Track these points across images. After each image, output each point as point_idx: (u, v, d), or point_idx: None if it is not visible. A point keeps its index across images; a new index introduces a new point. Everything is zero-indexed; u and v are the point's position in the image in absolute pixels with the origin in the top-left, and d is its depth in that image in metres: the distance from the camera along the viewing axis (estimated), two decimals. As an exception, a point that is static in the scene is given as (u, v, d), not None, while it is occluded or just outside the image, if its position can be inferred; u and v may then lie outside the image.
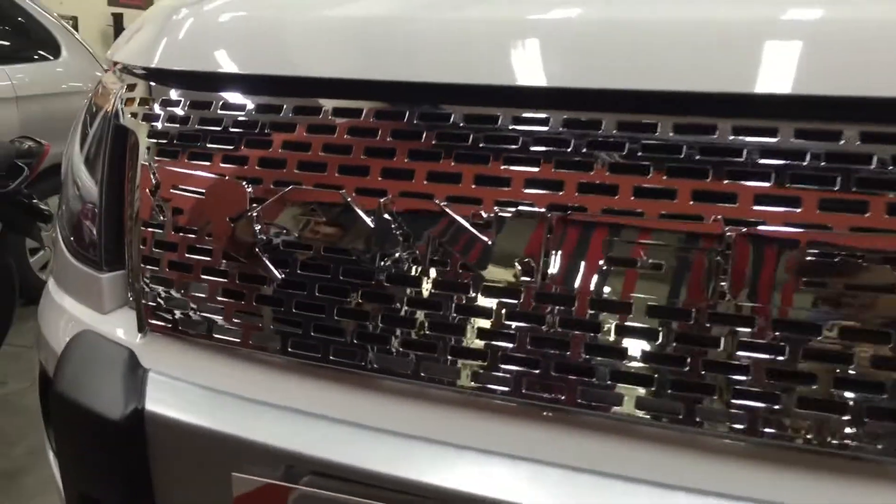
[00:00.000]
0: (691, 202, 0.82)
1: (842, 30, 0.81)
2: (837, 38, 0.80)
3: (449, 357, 0.90)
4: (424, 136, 0.94)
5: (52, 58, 4.96)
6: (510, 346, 0.88)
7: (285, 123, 1.02)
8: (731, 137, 0.82)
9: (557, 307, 0.86)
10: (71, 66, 4.97)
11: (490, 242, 0.88)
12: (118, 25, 12.71)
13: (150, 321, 1.09)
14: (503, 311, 0.88)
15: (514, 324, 0.88)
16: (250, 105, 1.05)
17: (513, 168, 0.89)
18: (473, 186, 0.90)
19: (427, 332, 0.92)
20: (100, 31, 12.65)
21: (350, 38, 1.04)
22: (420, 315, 0.92)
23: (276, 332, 0.99)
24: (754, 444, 0.80)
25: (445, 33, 0.98)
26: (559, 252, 0.86)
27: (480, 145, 0.91)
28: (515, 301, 0.88)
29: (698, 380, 0.80)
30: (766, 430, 0.78)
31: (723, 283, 0.79)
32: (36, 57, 4.88)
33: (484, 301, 0.89)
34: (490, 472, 0.87)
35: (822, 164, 0.78)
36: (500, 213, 0.88)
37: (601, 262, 0.84)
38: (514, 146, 0.89)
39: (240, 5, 1.18)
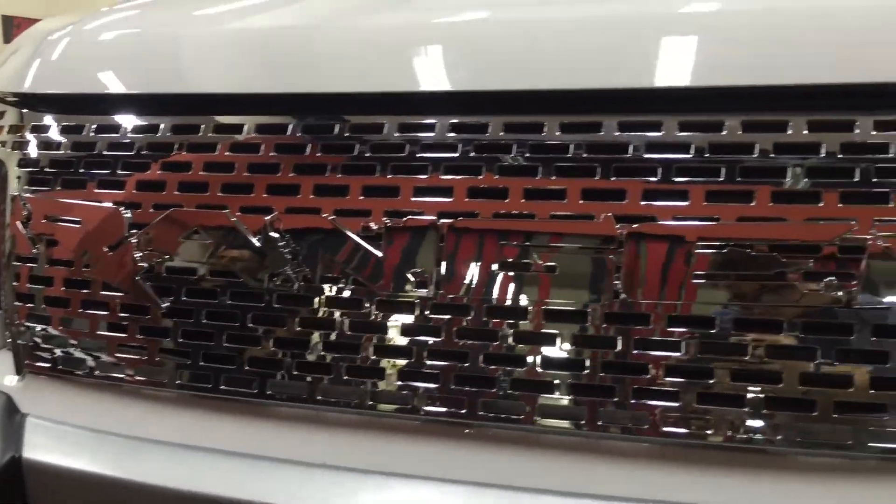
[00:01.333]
0: (581, 201, 0.80)
1: (719, 20, 0.81)
2: (716, 29, 0.80)
3: (345, 378, 0.86)
4: (309, 148, 0.90)
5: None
6: (407, 361, 0.84)
7: (165, 143, 0.97)
8: (617, 133, 0.80)
9: (453, 318, 0.83)
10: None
11: (381, 255, 0.85)
12: (16, 65, 12.30)
13: (27, 363, 1.02)
14: (399, 326, 0.85)
15: (410, 339, 0.84)
16: (128, 126, 1.00)
17: (401, 177, 0.86)
18: (361, 198, 0.87)
19: (321, 354, 0.87)
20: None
21: (230, 53, 1.00)
22: (314, 336, 0.88)
23: (162, 364, 0.94)
24: (660, 445, 0.78)
25: (324, 44, 0.95)
26: (451, 261, 0.83)
27: (367, 155, 0.88)
28: (411, 315, 0.84)
29: (598, 383, 0.78)
30: (670, 429, 0.77)
31: (617, 283, 0.78)
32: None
33: (378, 317, 0.85)
34: (394, 496, 0.83)
35: (707, 155, 0.77)
36: (391, 225, 0.85)
37: (494, 268, 0.82)
38: (401, 154, 0.87)
39: (120, 24, 1.14)
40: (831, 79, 0.75)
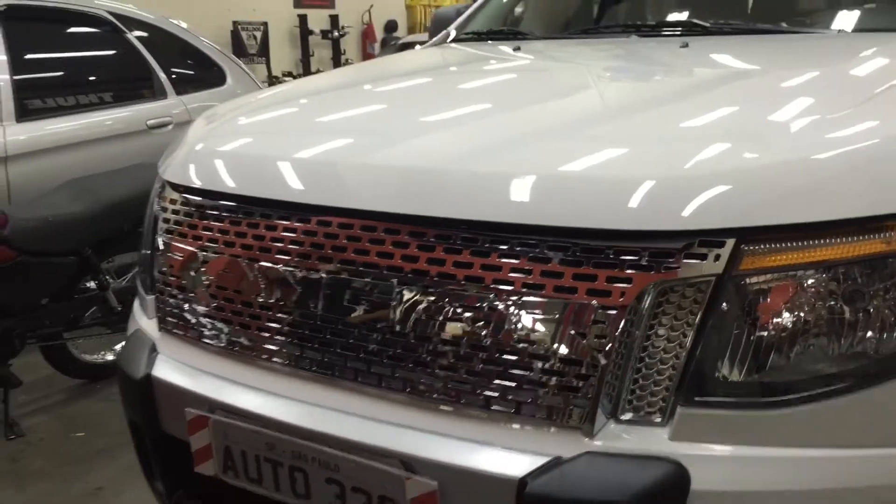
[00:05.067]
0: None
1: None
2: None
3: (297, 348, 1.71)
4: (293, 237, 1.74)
5: (219, 85, 6.05)
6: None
7: (233, 220, 1.84)
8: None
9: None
10: (235, 90, 6.02)
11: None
12: (303, 26, 14.15)
13: (163, 326, 1.97)
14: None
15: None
16: (216, 206, 1.87)
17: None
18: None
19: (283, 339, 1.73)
20: (287, 32, 14.14)
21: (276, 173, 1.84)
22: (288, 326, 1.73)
23: (214, 331, 1.84)
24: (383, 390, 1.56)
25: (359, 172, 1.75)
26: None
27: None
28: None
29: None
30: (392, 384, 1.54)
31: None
32: (207, 85, 5.98)
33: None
34: (296, 410, 1.67)
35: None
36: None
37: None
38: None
39: (232, 143, 2.03)
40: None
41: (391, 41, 14.56)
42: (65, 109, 4.95)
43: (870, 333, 1.36)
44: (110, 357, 4.31)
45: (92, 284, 4.05)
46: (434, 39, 3.10)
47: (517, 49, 2.62)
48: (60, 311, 3.93)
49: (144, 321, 2.09)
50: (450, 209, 1.51)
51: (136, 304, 2.24)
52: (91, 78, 5.37)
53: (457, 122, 1.93)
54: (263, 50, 13.37)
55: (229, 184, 1.87)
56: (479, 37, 3.00)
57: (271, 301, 1.73)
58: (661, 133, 1.65)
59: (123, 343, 2.18)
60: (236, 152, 1.99)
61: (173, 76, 5.73)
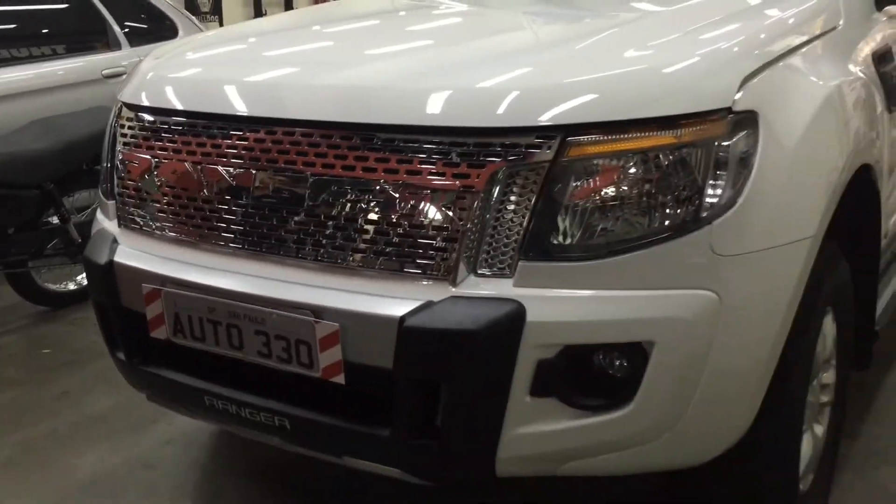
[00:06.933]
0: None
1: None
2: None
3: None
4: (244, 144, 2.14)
5: (171, 38, 6.33)
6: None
7: (170, 129, 2.24)
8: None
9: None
10: (187, 43, 6.32)
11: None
12: (257, -15, 14.29)
13: (121, 223, 2.37)
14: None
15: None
16: (163, 121, 2.28)
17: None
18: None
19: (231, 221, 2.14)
20: (241, -9, 14.30)
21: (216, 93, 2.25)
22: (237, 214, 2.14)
23: (164, 223, 2.24)
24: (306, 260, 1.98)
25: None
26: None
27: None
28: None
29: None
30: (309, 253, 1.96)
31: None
32: (159, 38, 6.26)
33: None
34: (231, 280, 2.09)
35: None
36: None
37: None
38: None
39: (175, 69, 2.43)
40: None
41: (344, 2, 14.79)
42: (24, 59, 5.25)
43: (658, 206, 1.81)
44: (72, 286, 4.68)
45: (55, 219, 4.40)
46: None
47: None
48: (25, 241, 4.29)
49: (106, 223, 2.49)
50: (352, 115, 1.94)
51: (98, 211, 2.63)
52: (50, 29, 5.66)
53: (374, 56, 2.36)
54: (216, 8, 13.51)
55: (182, 102, 2.27)
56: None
57: (212, 196, 2.14)
58: (521, 58, 2.09)
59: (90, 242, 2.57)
60: (187, 77, 2.39)
61: (127, 29, 6.02)
